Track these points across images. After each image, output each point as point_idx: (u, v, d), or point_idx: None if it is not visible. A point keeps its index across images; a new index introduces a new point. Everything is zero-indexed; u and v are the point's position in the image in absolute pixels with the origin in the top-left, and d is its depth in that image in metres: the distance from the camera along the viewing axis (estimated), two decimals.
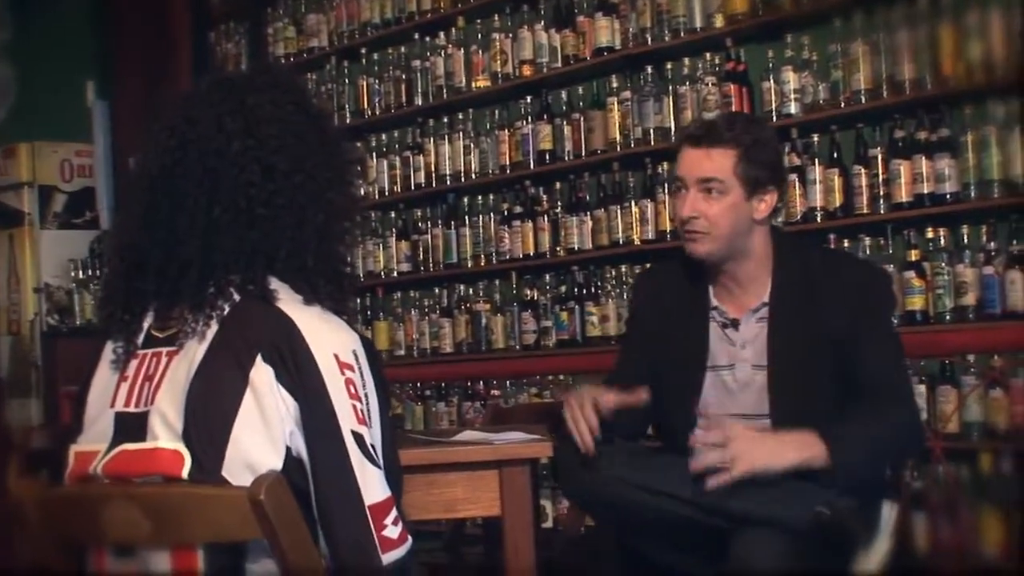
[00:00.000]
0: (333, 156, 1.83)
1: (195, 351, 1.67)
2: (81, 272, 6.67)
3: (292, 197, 1.74)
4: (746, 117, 2.60)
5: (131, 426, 1.69)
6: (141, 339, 1.75)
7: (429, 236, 5.43)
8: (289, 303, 1.70)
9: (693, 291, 2.71)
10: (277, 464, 1.64)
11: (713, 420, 2.47)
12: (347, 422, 1.66)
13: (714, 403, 2.65)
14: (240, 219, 1.72)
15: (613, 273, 4.83)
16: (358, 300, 5.69)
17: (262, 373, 1.64)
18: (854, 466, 2.41)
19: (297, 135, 1.77)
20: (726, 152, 2.57)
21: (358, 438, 1.67)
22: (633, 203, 4.72)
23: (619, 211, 4.76)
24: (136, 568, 1.67)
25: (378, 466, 1.69)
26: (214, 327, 1.68)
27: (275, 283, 1.72)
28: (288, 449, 1.65)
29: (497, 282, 5.25)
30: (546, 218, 5.02)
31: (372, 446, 1.69)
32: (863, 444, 2.45)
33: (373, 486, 1.68)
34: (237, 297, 1.70)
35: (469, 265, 5.28)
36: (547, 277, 5.07)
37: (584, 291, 4.90)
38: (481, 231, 5.24)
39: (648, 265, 4.69)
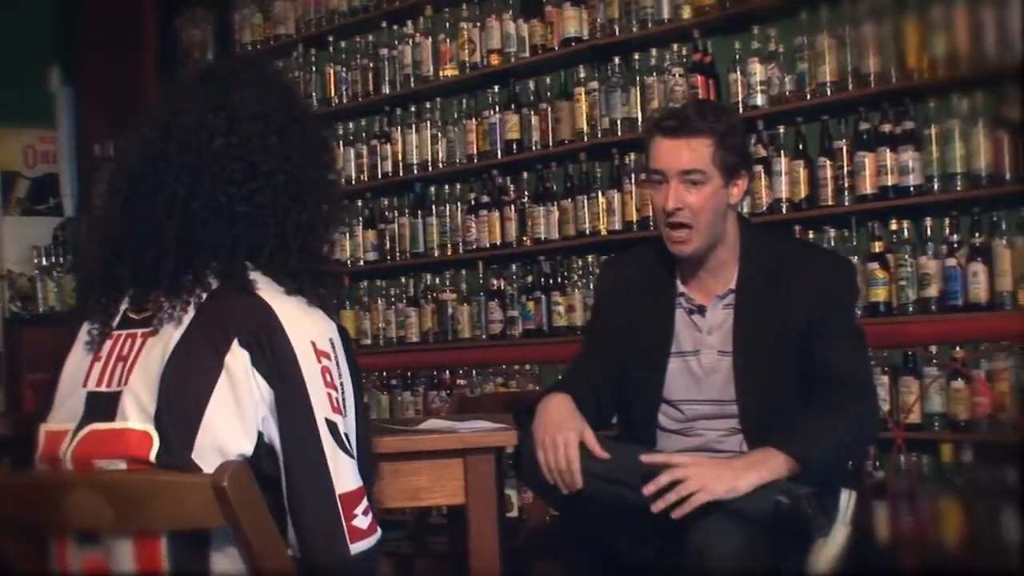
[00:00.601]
0: (316, 153, 1.82)
1: (171, 334, 1.67)
2: (44, 259, 6.62)
3: (274, 196, 1.74)
4: (713, 105, 2.62)
5: (102, 405, 1.68)
6: (117, 321, 1.74)
7: (396, 225, 5.43)
8: (268, 291, 1.70)
9: (660, 278, 2.71)
10: (248, 449, 1.64)
11: (661, 459, 2.43)
12: (321, 410, 1.66)
13: (680, 389, 2.66)
14: (220, 215, 1.71)
15: (580, 263, 4.84)
16: (337, 295, 5.66)
17: (238, 357, 1.64)
18: (818, 464, 2.42)
19: (281, 133, 1.76)
20: (703, 141, 2.58)
21: (332, 426, 1.67)
22: (600, 193, 4.73)
23: (586, 201, 4.77)
24: (99, 556, 1.66)
25: (351, 455, 1.69)
26: (191, 312, 1.68)
27: (256, 275, 1.72)
28: (260, 435, 1.65)
29: (464, 272, 5.25)
30: (513, 208, 5.03)
31: (346, 435, 1.69)
32: (825, 441, 2.46)
33: (345, 475, 1.68)
34: (215, 284, 1.70)
35: (436, 254, 5.28)
36: (514, 267, 5.08)
37: (551, 281, 4.90)
38: (448, 220, 5.24)
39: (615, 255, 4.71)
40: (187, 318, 1.67)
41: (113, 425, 1.66)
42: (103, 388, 1.70)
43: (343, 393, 1.70)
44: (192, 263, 1.70)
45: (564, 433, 2.46)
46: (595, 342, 2.81)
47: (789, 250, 2.75)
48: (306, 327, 1.68)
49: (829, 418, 2.49)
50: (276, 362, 1.64)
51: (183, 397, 1.63)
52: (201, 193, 1.71)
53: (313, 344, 1.67)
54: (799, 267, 2.65)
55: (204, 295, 1.69)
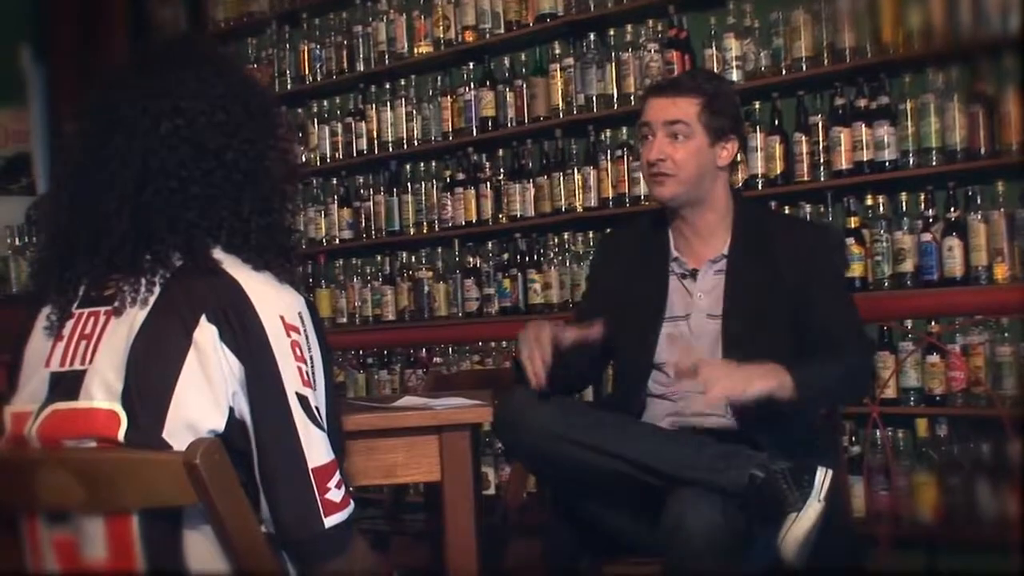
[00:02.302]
0: (265, 125, 1.79)
1: (136, 313, 1.65)
2: (17, 239, 6.55)
3: (227, 174, 1.71)
4: (708, 72, 2.77)
5: (66, 384, 1.66)
6: (77, 303, 1.72)
7: (371, 203, 5.41)
8: (235, 268, 1.68)
9: (654, 242, 2.76)
10: (220, 425, 1.63)
11: (685, 352, 2.53)
12: (292, 384, 1.65)
13: (670, 352, 2.68)
14: (174, 199, 1.69)
15: (556, 240, 4.83)
16: (299, 268, 5.65)
17: (206, 333, 1.62)
18: (812, 399, 2.51)
19: (226, 109, 1.73)
20: (690, 100, 2.66)
21: (303, 400, 1.65)
22: (576, 170, 4.72)
23: (562, 178, 4.76)
24: (70, 535, 1.65)
25: (322, 429, 1.68)
26: (157, 291, 1.66)
27: (219, 253, 1.70)
28: (231, 410, 1.64)
29: (439, 249, 5.23)
30: (488, 185, 5.01)
31: (316, 408, 1.68)
32: (823, 380, 2.53)
33: (317, 449, 1.66)
34: (179, 263, 1.68)
35: (411, 232, 5.26)
36: (489, 244, 5.07)
37: (526, 258, 4.89)
38: (423, 198, 5.23)
39: (591, 232, 4.71)
40: (152, 297, 1.65)
41: (78, 404, 1.64)
42: (66, 368, 1.68)
43: (313, 367, 1.68)
44: (150, 245, 1.68)
45: (540, 326, 2.54)
46: (588, 309, 2.82)
47: (779, 219, 2.88)
48: (275, 301, 1.67)
49: (828, 364, 2.56)
50: (245, 337, 1.63)
51: (152, 375, 1.61)
52: (152, 180, 1.68)
53: (282, 318, 1.66)
54: (790, 235, 2.73)
55: (168, 274, 1.67)
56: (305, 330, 1.68)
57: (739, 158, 2.84)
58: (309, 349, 1.68)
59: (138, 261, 1.67)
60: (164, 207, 1.68)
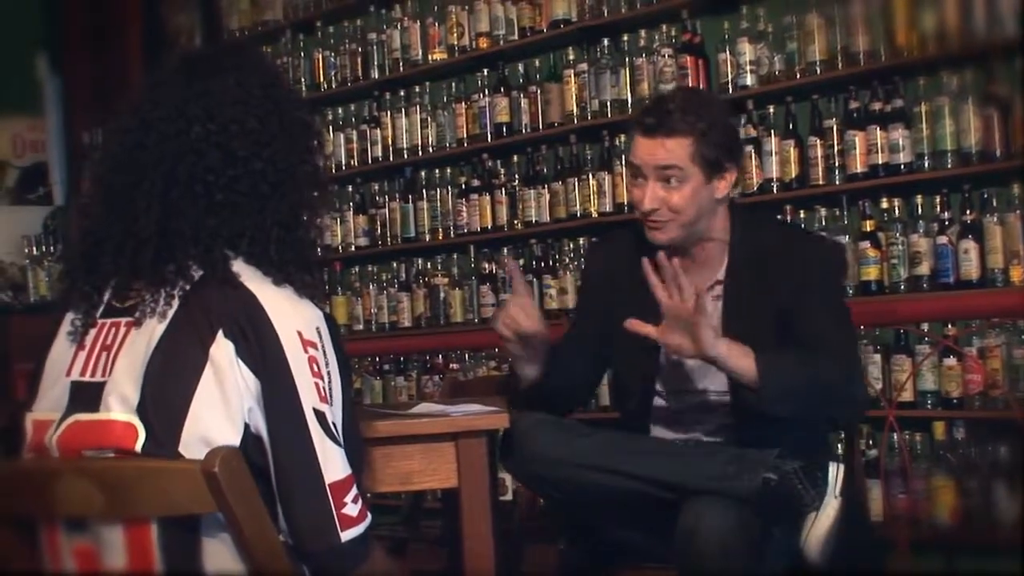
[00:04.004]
0: (299, 139, 1.79)
1: (155, 327, 1.66)
2: (35, 248, 6.59)
3: (254, 184, 1.72)
4: (699, 99, 2.55)
5: (86, 395, 1.68)
6: (101, 310, 1.73)
7: (387, 210, 5.42)
8: (254, 281, 1.69)
9: (631, 246, 2.67)
10: (235, 440, 1.63)
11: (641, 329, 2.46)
12: (309, 400, 1.65)
13: (673, 380, 2.63)
14: (198, 204, 1.70)
15: (571, 246, 4.83)
16: (323, 283, 5.66)
17: (223, 349, 1.63)
18: (771, 392, 2.36)
19: (261, 119, 1.74)
20: (681, 141, 2.51)
21: (319, 416, 1.66)
22: (590, 176, 4.72)
23: (576, 184, 4.76)
24: (89, 543, 1.66)
25: (339, 444, 1.68)
26: (176, 304, 1.67)
27: (239, 265, 1.71)
28: (247, 426, 1.64)
29: (455, 256, 5.24)
30: (503, 191, 5.02)
31: (333, 424, 1.68)
32: (789, 378, 2.39)
33: (334, 464, 1.67)
34: (198, 275, 1.68)
35: (427, 239, 5.27)
36: (505, 250, 5.07)
37: (542, 264, 4.90)
38: (439, 205, 5.23)
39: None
40: (171, 311, 1.66)
41: (98, 416, 1.66)
42: (87, 378, 1.69)
43: (330, 382, 1.69)
44: (173, 253, 1.69)
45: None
46: (581, 325, 2.78)
47: (778, 237, 2.69)
48: (292, 316, 1.67)
49: (800, 366, 2.42)
50: (262, 353, 1.63)
51: (168, 390, 1.62)
52: (179, 182, 1.70)
53: (299, 334, 1.66)
54: (786, 252, 2.60)
55: (188, 286, 1.68)
56: (323, 345, 1.69)
57: (742, 178, 2.72)
58: (327, 365, 1.69)
59: (160, 270, 1.68)
60: (188, 210, 1.69)
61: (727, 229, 2.62)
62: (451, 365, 5.16)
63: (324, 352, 1.69)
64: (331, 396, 1.69)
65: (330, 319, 1.74)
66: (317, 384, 1.66)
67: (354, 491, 1.70)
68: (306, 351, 1.66)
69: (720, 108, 2.69)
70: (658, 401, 2.66)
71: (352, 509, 1.69)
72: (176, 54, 1.86)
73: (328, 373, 1.69)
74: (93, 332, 1.72)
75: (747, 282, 2.59)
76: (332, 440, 1.67)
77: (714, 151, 2.51)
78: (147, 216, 1.69)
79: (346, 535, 1.68)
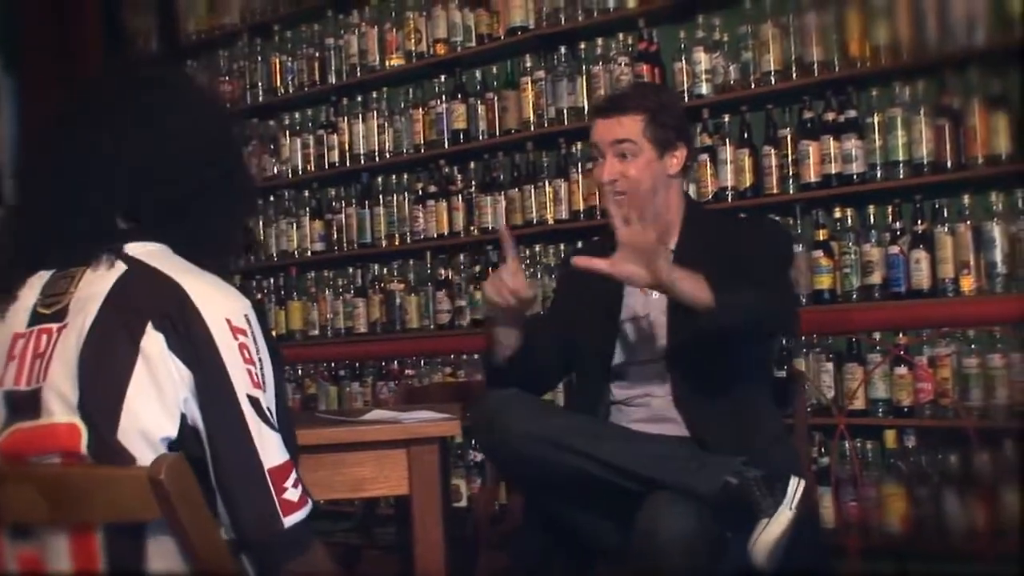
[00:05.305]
0: (205, 129, 1.81)
1: (83, 321, 1.65)
2: None
3: (180, 169, 1.74)
4: (651, 85, 2.87)
5: (23, 404, 1.66)
6: (27, 319, 1.72)
7: (343, 215, 5.41)
8: (178, 271, 1.69)
9: (611, 249, 2.76)
10: (172, 432, 1.63)
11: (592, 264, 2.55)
12: (242, 387, 1.65)
13: (627, 352, 2.76)
14: (120, 188, 1.72)
15: (527, 252, 4.83)
16: (271, 280, 5.65)
17: (153, 341, 1.62)
18: (723, 315, 2.46)
19: (191, 111, 1.78)
20: (634, 118, 2.75)
21: (254, 402, 1.66)
22: (547, 183, 4.74)
23: (533, 191, 4.78)
24: (34, 550, 1.64)
25: (275, 429, 1.68)
26: (101, 296, 1.66)
27: (164, 253, 1.72)
28: (183, 417, 1.64)
29: (411, 261, 5.24)
30: (460, 197, 5.02)
31: (268, 409, 1.68)
32: (741, 294, 2.50)
33: (271, 449, 1.67)
34: (123, 267, 1.68)
35: (383, 244, 5.26)
36: (461, 256, 5.08)
37: None
38: (395, 210, 5.23)
39: (562, 244, 4.72)
40: (97, 303, 1.66)
41: (39, 422, 1.64)
42: (21, 387, 1.67)
43: (262, 368, 1.69)
44: (100, 241, 1.71)
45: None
46: (547, 314, 2.94)
47: (727, 216, 2.97)
48: (220, 305, 1.67)
49: (751, 287, 2.54)
50: (192, 343, 1.63)
51: (102, 384, 1.62)
52: (104, 171, 1.72)
53: (228, 321, 1.66)
54: (735, 226, 2.85)
55: (112, 276, 1.68)
56: (252, 332, 1.69)
57: (694, 163, 2.92)
58: (258, 351, 1.68)
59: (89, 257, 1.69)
60: (109, 198, 1.71)
61: (680, 207, 2.83)
62: (406, 371, 5.16)
63: (254, 338, 1.68)
64: (264, 381, 1.68)
65: (257, 307, 1.75)
66: (250, 370, 1.66)
67: (294, 476, 1.69)
68: (236, 338, 1.66)
69: (669, 95, 3.02)
70: (617, 392, 2.75)
71: (293, 494, 1.68)
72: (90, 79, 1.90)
73: (260, 359, 1.69)
74: (22, 342, 1.70)
75: (699, 250, 2.72)
76: (268, 425, 1.67)
77: (664, 130, 2.76)
78: (58, 211, 1.72)
79: (288, 520, 1.67)
